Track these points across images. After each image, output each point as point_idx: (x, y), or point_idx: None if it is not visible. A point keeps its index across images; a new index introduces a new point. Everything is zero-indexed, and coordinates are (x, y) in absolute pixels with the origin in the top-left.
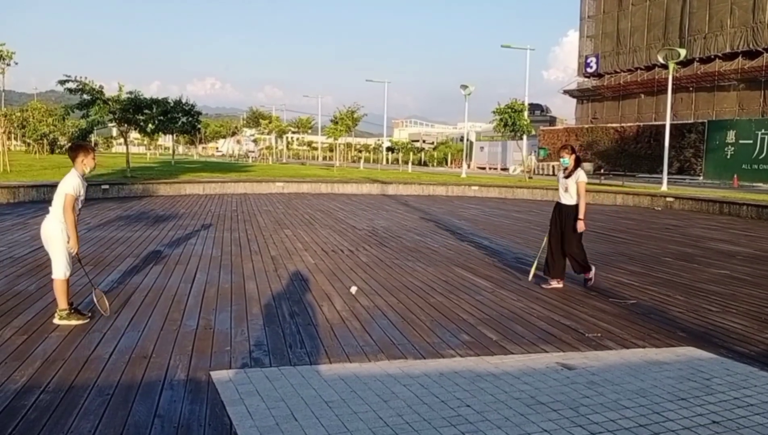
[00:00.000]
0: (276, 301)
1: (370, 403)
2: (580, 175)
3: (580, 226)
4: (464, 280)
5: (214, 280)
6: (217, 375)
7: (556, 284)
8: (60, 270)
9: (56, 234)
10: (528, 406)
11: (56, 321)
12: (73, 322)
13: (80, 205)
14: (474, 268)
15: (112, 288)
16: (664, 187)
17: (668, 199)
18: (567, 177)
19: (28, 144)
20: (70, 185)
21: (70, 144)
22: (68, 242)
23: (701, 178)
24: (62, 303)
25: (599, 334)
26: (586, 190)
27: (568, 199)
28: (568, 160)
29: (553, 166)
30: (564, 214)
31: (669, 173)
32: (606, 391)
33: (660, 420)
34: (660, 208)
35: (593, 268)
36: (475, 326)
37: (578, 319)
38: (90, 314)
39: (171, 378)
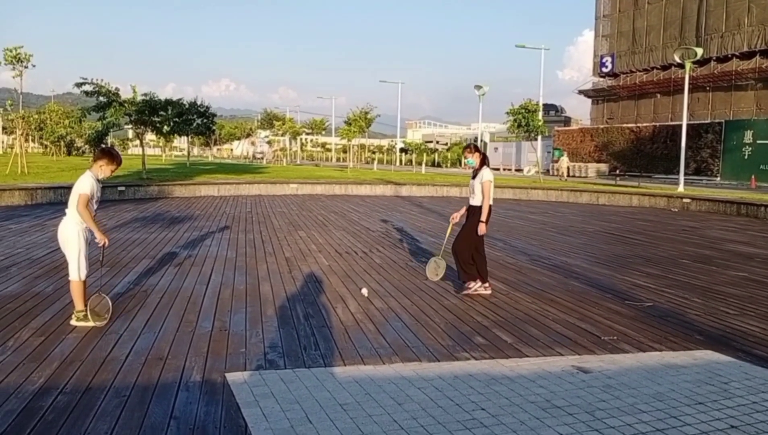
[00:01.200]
0: (290, 303)
1: (385, 406)
2: (485, 174)
3: (481, 228)
4: None
5: (229, 282)
6: (232, 377)
7: (478, 288)
8: (76, 272)
9: (72, 236)
10: (543, 409)
11: (73, 322)
12: (90, 323)
13: (95, 206)
14: (488, 270)
15: (129, 289)
16: (681, 188)
17: (685, 200)
18: (473, 177)
19: (46, 146)
20: (86, 185)
21: (102, 146)
22: (95, 239)
23: (718, 178)
24: (79, 304)
25: (615, 337)
26: (492, 190)
27: (475, 200)
28: (472, 159)
29: (568, 167)
30: (469, 214)
31: (686, 174)
32: (622, 394)
33: (677, 424)
34: (676, 210)
35: (480, 283)
36: (489, 329)
37: (594, 322)
38: (107, 316)
39: (187, 379)
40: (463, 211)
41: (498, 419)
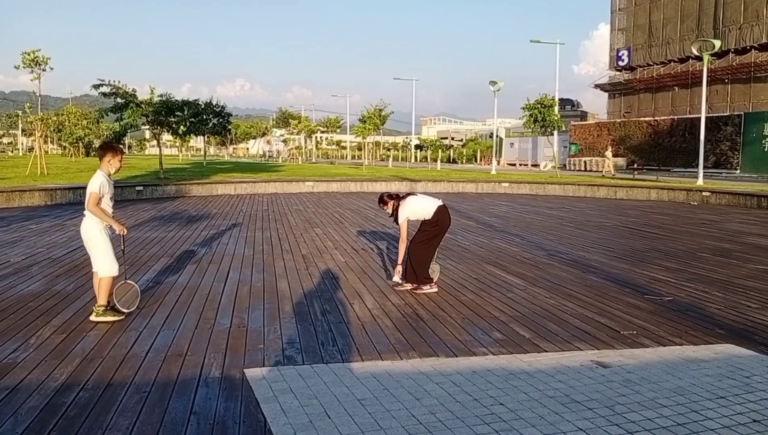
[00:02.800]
0: (307, 299)
1: (403, 401)
2: (399, 216)
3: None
4: (496, 277)
5: (247, 279)
6: (250, 373)
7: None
8: (106, 268)
9: (95, 234)
10: (563, 404)
11: (93, 318)
12: (109, 319)
13: (111, 203)
14: (505, 265)
15: (148, 287)
16: (700, 182)
17: (704, 193)
18: (395, 222)
19: (64, 147)
20: (96, 184)
21: (101, 143)
22: (115, 232)
23: (738, 171)
24: (102, 299)
25: (635, 332)
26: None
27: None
28: (388, 209)
29: (585, 162)
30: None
31: (705, 167)
32: (643, 389)
33: (699, 419)
34: (696, 203)
35: (433, 285)
36: (507, 324)
37: (613, 317)
38: (125, 312)
39: (206, 376)
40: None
41: (517, 414)
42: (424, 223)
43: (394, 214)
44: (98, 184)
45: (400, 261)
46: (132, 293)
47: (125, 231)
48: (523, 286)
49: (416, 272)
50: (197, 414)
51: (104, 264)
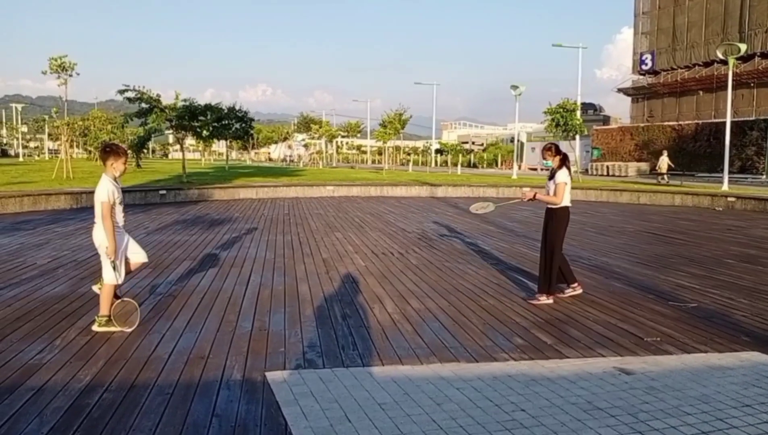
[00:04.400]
0: (328, 303)
1: (423, 406)
2: (559, 175)
3: (526, 193)
4: (517, 282)
5: (268, 283)
6: (272, 376)
7: (570, 292)
8: (112, 275)
9: (105, 242)
10: (585, 411)
11: (95, 328)
12: (112, 329)
13: (121, 209)
14: (527, 270)
15: (170, 290)
16: (725, 187)
17: (729, 199)
18: (550, 178)
19: (90, 151)
20: (104, 193)
21: (103, 147)
22: (126, 239)
23: (764, 177)
24: (104, 309)
25: (659, 339)
26: (566, 192)
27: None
28: (550, 161)
29: (607, 167)
30: (546, 218)
31: (730, 172)
32: (666, 396)
33: (724, 427)
34: (721, 209)
35: (545, 297)
36: (528, 329)
37: (636, 323)
38: (135, 321)
39: (228, 378)
40: (531, 193)
41: (538, 420)
42: (558, 220)
43: (554, 171)
44: (106, 191)
45: (542, 198)
46: (128, 312)
47: (112, 257)
48: None
49: (551, 281)
50: (219, 416)
51: (109, 271)
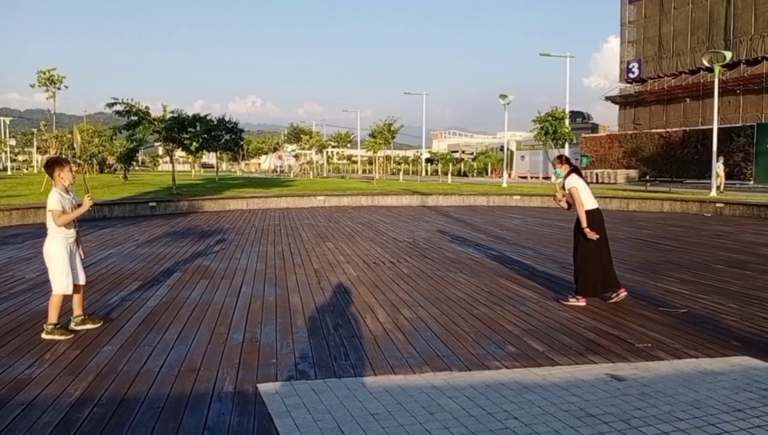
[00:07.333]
0: (320, 314)
1: (416, 416)
2: (568, 181)
3: (587, 233)
4: (508, 290)
5: (259, 294)
6: (264, 387)
7: (616, 297)
8: (58, 285)
9: (53, 251)
10: (577, 418)
11: (44, 335)
12: (57, 337)
13: (74, 225)
14: (518, 278)
15: (161, 302)
16: (713, 193)
17: (718, 204)
18: (562, 187)
19: (79, 164)
20: (53, 202)
21: (45, 161)
22: (77, 248)
23: (752, 182)
24: (53, 317)
25: (650, 344)
26: (583, 194)
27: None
28: (561, 170)
29: (597, 174)
30: (576, 228)
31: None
32: (658, 402)
33: (716, 432)
34: (709, 215)
35: (579, 299)
36: (520, 337)
37: (627, 329)
38: (72, 333)
39: (219, 390)
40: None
41: (531, 428)
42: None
43: (565, 177)
44: (55, 199)
45: (584, 223)
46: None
47: (90, 203)
48: (536, 299)
49: (585, 285)
50: (211, 429)
51: (59, 281)
